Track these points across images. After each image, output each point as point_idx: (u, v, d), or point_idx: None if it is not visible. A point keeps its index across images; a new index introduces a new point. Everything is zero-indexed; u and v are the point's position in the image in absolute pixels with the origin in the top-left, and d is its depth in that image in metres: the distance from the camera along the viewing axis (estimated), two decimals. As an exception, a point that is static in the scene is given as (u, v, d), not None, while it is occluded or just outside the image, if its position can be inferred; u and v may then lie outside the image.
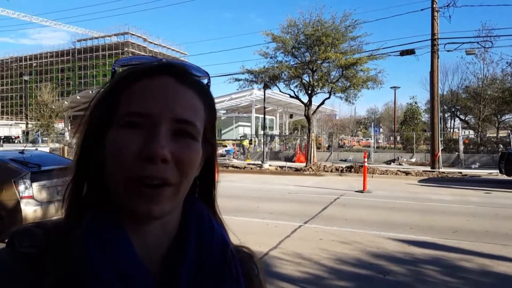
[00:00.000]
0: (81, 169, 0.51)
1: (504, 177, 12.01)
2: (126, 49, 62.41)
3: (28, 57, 73.23)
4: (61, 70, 70.83)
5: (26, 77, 38.16)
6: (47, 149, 18.54)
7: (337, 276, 4.08)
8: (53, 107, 33.62)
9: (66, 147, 23.38)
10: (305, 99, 17.13)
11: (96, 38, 66.88)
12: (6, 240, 0.48)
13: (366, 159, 11.47)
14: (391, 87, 36.66)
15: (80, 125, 0.52)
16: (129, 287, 0.45)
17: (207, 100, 0.53)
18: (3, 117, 65.88)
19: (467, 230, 5.99)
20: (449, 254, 4.74)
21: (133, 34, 63.76)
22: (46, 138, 31.86)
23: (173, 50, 67.60)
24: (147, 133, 0.46)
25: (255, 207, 7.92)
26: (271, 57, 16.85)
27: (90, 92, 34.22)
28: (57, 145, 24.97)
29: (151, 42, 65.42)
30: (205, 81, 0.56)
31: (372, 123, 43.18)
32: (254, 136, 27.12)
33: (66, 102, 31.77)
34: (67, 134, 29.76)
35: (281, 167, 16.86)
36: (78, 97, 32.48)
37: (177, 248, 0.51)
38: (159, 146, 0.45)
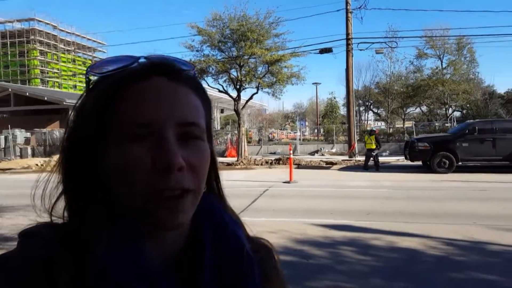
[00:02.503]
0: (73, 180, 0.47)
1: (409, 162, 13.64)
2: (32, 37, 55.84)
3: None
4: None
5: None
6: None
7: (266, 264, 4.30)
8: None
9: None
10: (234, 94, 17.31)
11: (-5, 23, 58.83)
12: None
13: (291, 151, 12.07)
14: (313, 83, 38.79)
15: (63, 141, 0.49)
16: None
17: (202, 95, 0.51)
18: None
19: (379, 212, 6.71)
20: (363, 235, 5.25)
21: (40, 21, 57.03)
22: None
23: (89, 39, 62.48)
24: (155, 142, 0.44)
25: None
26: (197, 50, 16.69)
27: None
28: None
29: (62, 30, 59.32)
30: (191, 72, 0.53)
31: (298, 117, 45.28)
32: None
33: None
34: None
35: (211, 162, 16.87)
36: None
37: (193, 249, 0.50)
38: (173, 155, 0.43)
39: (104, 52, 62.59)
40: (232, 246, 0.52)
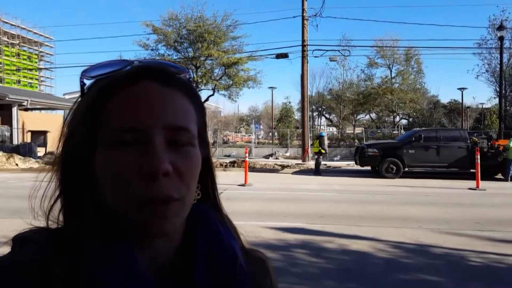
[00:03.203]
0: (68, 185, 0.47)
1: (359, 167, 14.20)
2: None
3: None
4: None
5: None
6: None
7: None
8: None
9: None
10: (188, 95, 17.05)
11: None
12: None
13: (247, 154, 12.05)
14: (269, 87, 39.25)
15: (58, 143, 0.48)
16: None
17: (195, 99, 0.49)
18: None
19: (330, 215, 6.87)
20: (315, 238, 5.33)
21: (-20, 11, 52.81)
22: None
23: (36, 33, 58.48)
24: (142, 148, 0.43)
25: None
26: (152, 49, 16.33)
27: None
28: None
29: (6, 22, 55.30)
30: (186, 76, 0.52)
31: (253, 120, 45.56)
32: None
33: None
34: None
35: (164, 164, 16.43)
36: None
37: (185, 259, 0.49)
38: (158, 160, 0.42)
39: (51, 47, 58.79)
40: (226, 258, 0.50)
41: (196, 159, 0.47)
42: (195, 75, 16.27)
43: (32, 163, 15.99)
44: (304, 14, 17.84)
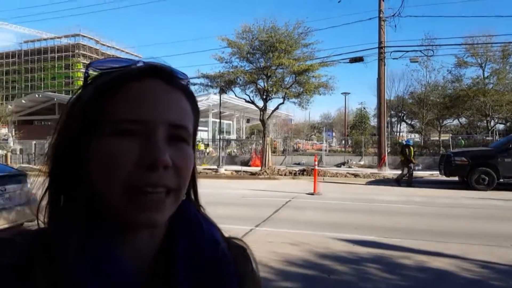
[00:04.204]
0: (56, 179, 0.48)
1: (444, 177, 12.93)
2: (77, 51, 59.42)
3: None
4: (6, 72, 65.80)
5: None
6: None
7: (284, 278, 4.13)
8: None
9: (9, 154, 21.76)
10: (260, 104, 17.36)
11: (44, 39, 63.03)
12: None
13: (316, 163, 11.80)
14: (342, 93, 38.17)
15: (54, 133, 0.49)
16: None
17: (193, 102, 0.52)
18: None
19: (408, 229, 6.34)
20: (390, 252, 4.96)
21: (84, 36, 60.82)
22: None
23: (127, 53, 65.39)
24: (144, 140, 0.45)
25: (208, 212, 7.83)
26: (226, 62, 16.94)
27: (37, 96, 32.20)
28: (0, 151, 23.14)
29: (103, 45, 62.81)
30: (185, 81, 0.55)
31: (325, 128, 44.65)
32: (210, 140, 26.93)
33: (10, 107, 29.64)
34: (10, 140, 27.73)
35: (237, 171, 16.89)
36: (23, 101, 30.42)
37: (167, 250, 0.50)
38: (160, 152, 0.44)
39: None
40: (207, 245, 0.52)
41: (191, 156, 0.49)
42: (265, 84, 16.49)
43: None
44: (381, 15, 17.02)
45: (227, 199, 9.82)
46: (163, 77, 0.49)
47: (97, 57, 59.40)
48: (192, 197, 0.58)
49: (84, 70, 0.52)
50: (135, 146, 0.45)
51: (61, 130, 0.49)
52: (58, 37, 61.00)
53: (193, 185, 0.59)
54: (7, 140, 28.67)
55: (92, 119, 0.46)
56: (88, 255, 0.44)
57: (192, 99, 0.52)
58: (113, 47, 63.80)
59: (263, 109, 17.12)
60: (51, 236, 0.45)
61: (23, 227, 0.49)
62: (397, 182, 12.97)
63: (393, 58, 17.39)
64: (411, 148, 13.19)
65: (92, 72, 0.51)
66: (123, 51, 65.13)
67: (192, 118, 0.51)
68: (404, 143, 13.92)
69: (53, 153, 0.49)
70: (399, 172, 13.71)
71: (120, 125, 0.45)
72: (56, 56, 61.40)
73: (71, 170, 0.47)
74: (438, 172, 13.82)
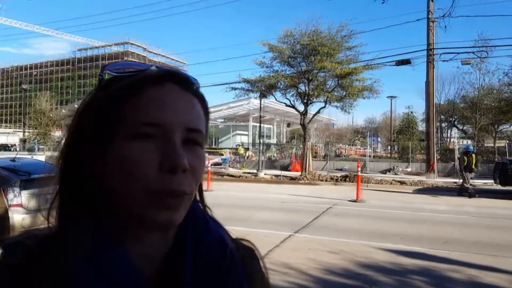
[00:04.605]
0: (67, 180, 0.49)
1: (499, 187, 12.01)
2: (126, 58, 62.79)
3: (28, 66, 73.59)
4: (61, 79, 71.12)
5: (24, 86, 38.34)
6: (43, 157, 18.50)
7: (323, 286, 4.03)
8: (51, 115, 33.69)
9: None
10: (301, 108, 17.20)
11: (96, 47, 67.35)
12: None
13: (359, 169, 11.47)
14: (387, 97, 36.84)
15: (67, 134, 0.50)
16: None
17: (205, 107, 0.53)
18: (1, 125, 65.90)
19: (458, 240, 5.94)
20: (438, 265, 4.69)
21: (133, 44, 64.19)
22: (43, 147, 31.83)
23: (173, 59, 67.95)
24: (162, 143, 0.46)
25: (247, 216, 7.87)
26: (267, 67, 16.97)
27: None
28: (54, 153, 24.89)
29: (150, 52, 65.82)
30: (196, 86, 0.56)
31: (369, 133, 43.28)
32: (250, 144, 27.11)
33: (64, 111, 31.90)
34: (64, 142, 29.77)
35: (277, 175, 16.83)
36: (76, 106, 32.55)
37: (176, 250, 0.51)
38: (180, 156, 0.46)
39: (184, 71, 67.82)
40: (215, 246, 0.53)
41: (204, 158, 0.51)
42: (306, 88, 16.31)
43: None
44: (430, 16, 16.27)
45: (266, 204, 9.82)
46: (179, 82, 0.50)
47: (135, 60, 62.87)
48: (198, 197, 0.58)
49: None
50: (155, 150, 0.46)
51: (75, 131, 0.49)
52: (109, 45, 64.90)
53: (200, 186, 0.58)
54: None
55: (109, 121, 0.47)
56: (95, 257, 0.44)
57: (205, 104, 0.53)
58: (160, 54, 66.60)
59: (303, 113, 16.95)
60: (56, 238, 0.46)
61: (35, 230, 0.49)
62: (464, 192, 11.73)
63: (443, 61, 16.51)
64: (473, 155, 12.01)
65: (108, 75, 0.51)
66: (169, 57, 67.77)
67: (205, 122, 0.52)
68: (464, 149, 12.81)
69: (66, 152, 0.49)
70: (449, 180, 12.90)
71: (140, 128, 0.46)
72: (107, 63, 65.26)
73: (82, 170, 0.48)
74: (492, 181, 12.91)
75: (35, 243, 0.46)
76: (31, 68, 73.01)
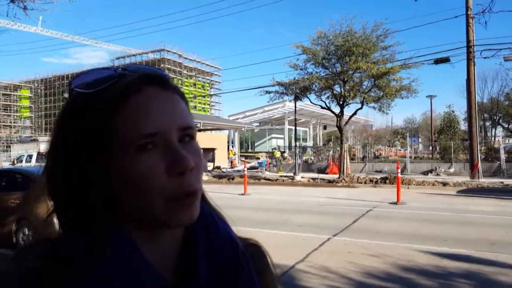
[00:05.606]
0: (65, 186, 0.48)
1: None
2: (162, 65, 64.47)
3: (70, 75, 77.85)
4: (101, 87, 74.12)
5: (66, 95, 40.61)
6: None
7: (364, 290, 4.05)
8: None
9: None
10: (337, 110, 17.04)
11: (133, 55, 69.59)
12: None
13: (399, 170, 11.20)
14: (427, 96, 35.42)
15: (50, 145, 0.50)
16: None
17: (185, 99, 0.53)
18: (46, 134, 69.90)
19: (505, 243, 5.70)
20: (485, 268, 4.55)
21: (168, 51, 65.80)
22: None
23: (208, 65, 69.09)
24: (164, 149, 0.47)
25: (284, 220, 7.95)
26: (301, 69, 16.91)
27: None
28: None
29: (186, 58, 67.18)
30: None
31: (409, 133, 41.80)
32: (287, 148, 27.09)
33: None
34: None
35: (313, 179, 16.76)
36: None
37: (188, 250, 0.52)
38: (185, 158, 0.46)
39: (219, 75, 68.52)
40: (225, 243, 0.53)
41: (200, 150, 0.51)
42: (342, 90, 16.10)
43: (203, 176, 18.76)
44: (469, 12, 15.61)
45: (303, 207, 9.83)
46: (158, 83, 0.50)
47: (180, 70, 63.92)
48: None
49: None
50: (160, 158, 0.46)
51: (59, 143, 0.49)
52: (145, 53, 66.89)
53: None
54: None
55: (102, 141, 0.46)
56: (108, 259, 0.45)
57: (184, 97, 0.53)
58: (195, 60, 68.03)
59: (339, 115, 16.77)
60: (68, 242, 0.47)
61: (48, 235, 0.50)
62: None
63: (484, 57, 15.78)
64: None
65: (77, 90, 0.50)
66: (203, 63, 69.08)
67: (190, 114, 0.52)
68: None
69: (52, 163, 0.49)
70: (494, 180, 12.29)
71: (140, 140, 0.46)
72: (70, 79, 67.10)
73: (79, 184, 0.48)
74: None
75: (48, 247, 0.47)
76: (72, 77, 76.85)
